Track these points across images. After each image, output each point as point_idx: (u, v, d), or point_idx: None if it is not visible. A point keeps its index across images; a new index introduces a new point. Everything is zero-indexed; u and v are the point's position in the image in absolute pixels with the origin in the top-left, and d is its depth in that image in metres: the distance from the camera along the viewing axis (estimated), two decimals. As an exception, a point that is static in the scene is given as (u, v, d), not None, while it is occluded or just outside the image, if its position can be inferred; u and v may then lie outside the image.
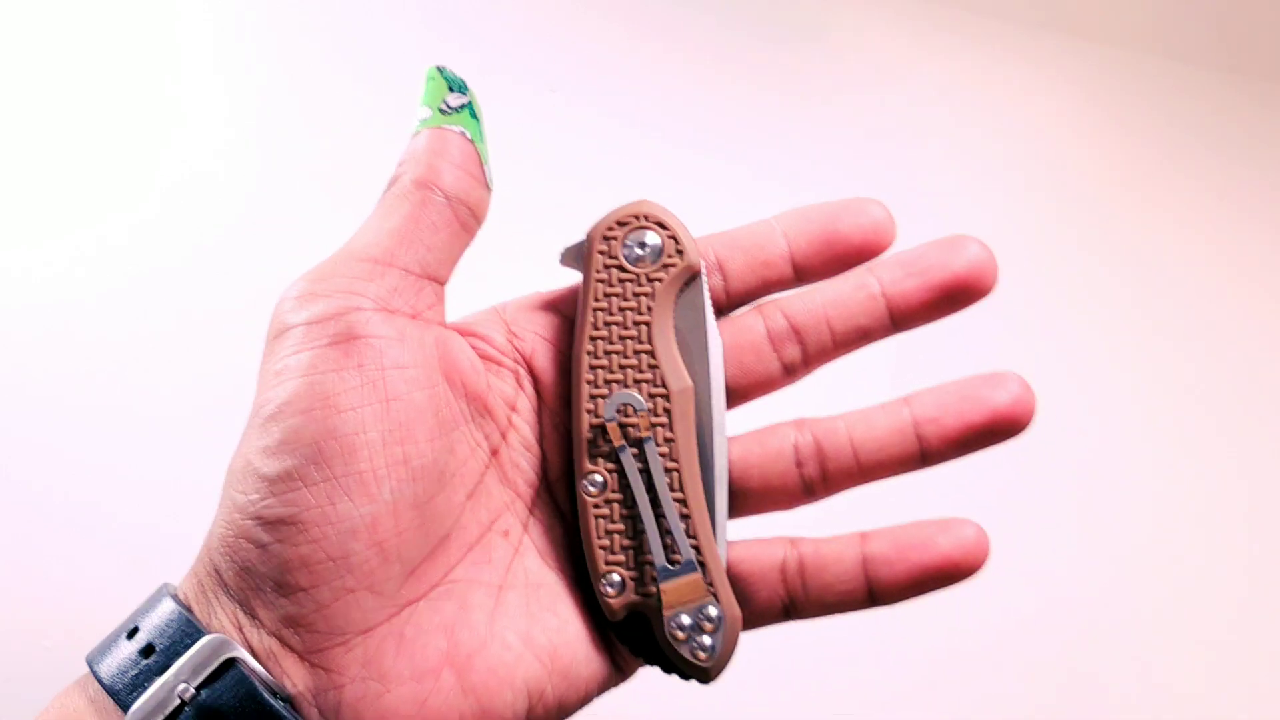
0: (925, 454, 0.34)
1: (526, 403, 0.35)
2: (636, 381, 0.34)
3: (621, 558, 0.34)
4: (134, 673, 0.29)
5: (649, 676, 0.35)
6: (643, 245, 0.35)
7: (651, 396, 0.34)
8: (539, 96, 1.03)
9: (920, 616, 0.88)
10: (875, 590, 0.34)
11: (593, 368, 0.35)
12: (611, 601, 0.34)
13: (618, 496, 0.34)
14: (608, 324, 0.35)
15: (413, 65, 0.51)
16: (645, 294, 0.35)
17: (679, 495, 0.34)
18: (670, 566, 0.33)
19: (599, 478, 0.34)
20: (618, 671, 0.35)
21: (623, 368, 0.35)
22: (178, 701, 0.29)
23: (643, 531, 0.34)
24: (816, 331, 0.35)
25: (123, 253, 0.86)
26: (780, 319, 0.36)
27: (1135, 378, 1.07)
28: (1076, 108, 1.24)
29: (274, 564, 0.29)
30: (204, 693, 0.29)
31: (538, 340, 0.36)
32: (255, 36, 0.98)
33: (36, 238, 0.85)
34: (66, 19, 0.92)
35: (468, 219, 0.34)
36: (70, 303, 0.83)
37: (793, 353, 0.36)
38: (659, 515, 0.34)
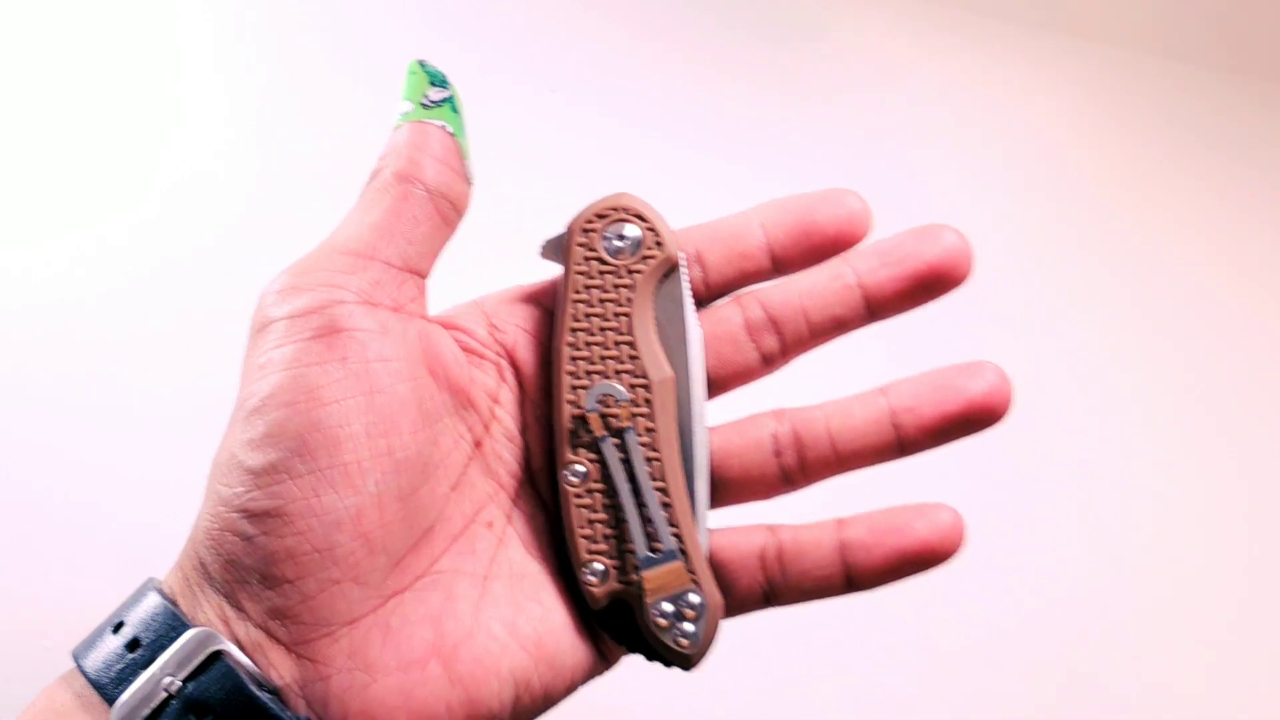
0: (902, 443, 0.35)
1: (509, 395, 0.36)
2: (617, 372, 0.35)
3: (603, 547, 0.34)
4: (120, 667, 0.29)
5: (633, 665, 0.35)
6: (622, 237, 0.35)
7: (632, 387, 0.34)
8: (539, 96, 1.04)
9: (920, 616, 0.88)
10: (853, 576, 0.34)
11: (574, 359, 0.35)
12: (594, 590, 0.34)
13: (599, 486, 0.34)
14: (588, 315, 0.35)
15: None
16: (625, 286, 0.35)
17: (660, 484, 0.34)
18: (652, 555, 0.34)
19: (581, 468, 0.34)
20: (602, 660, 0.35)
21: (604, 359, 0.35)
22: (164, 695, 0.29)
23: (624, 520, 0.34)
24: (793, 322, 0.35)
25: (123, 253, 0.86)
26: (758, 310, 0.36)
27: (1135, 377, 1.07)
28: (1076, 108, 1.24)
29: (259, 556, 0.29)
30: (190, 686, 0.29)
31: (519, 333, 0.36)
32: (255, 36, 0.98)
33: (36, 238, 0.85)
34: (66, 19, 0.93)
35: (449, 213, 0.34)
36: (70, 303, 0.84)
37: (770, 343, 0.36)
38: (640, 504, 0.34)
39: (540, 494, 0.36)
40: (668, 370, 0.35)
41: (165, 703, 0.29)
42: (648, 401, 0.34)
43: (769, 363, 0.36)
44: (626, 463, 0.34)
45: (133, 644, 0.30)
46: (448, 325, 0.35)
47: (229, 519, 0.30)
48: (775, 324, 0.36)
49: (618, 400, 0.34)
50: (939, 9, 1.24)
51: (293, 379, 0.30)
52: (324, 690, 0.30)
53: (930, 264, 0.35)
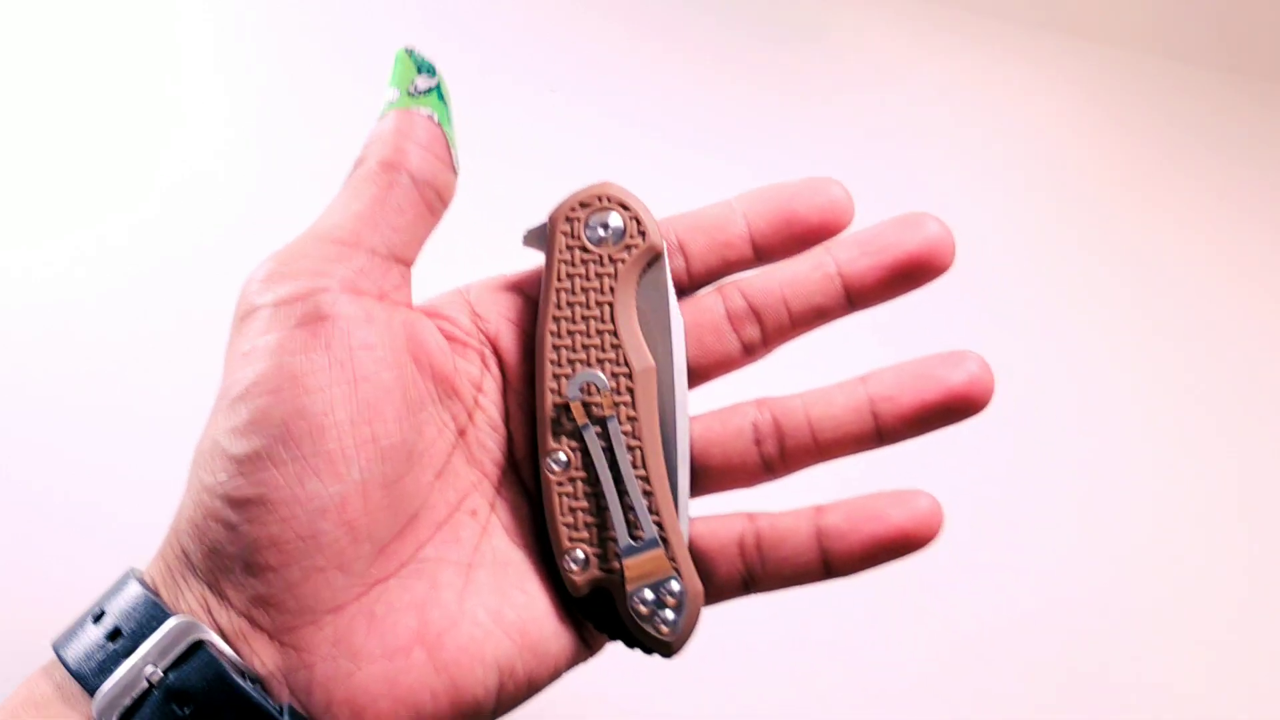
0: (881, 432, 0.35)
1: (492, 383, 0.36)
2: (600, 361, 0.35)
3: (585, 534, 0.34)
4: (101, 657, 0.29)
5: (615, 652, 0.36)
6: (605, 226, 0.35)
7: (614, 375, 0.35)
8: (539, 96, 1.04)
9: (918, 614, 0.88)
10: (830, 562, 0.34)
11: (556, 347, 0.35)
12: (575, 578, 0.34)
13: (581, 474, 0.34)
14: (570, 304, 0.35)
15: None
16: (608, 274, 0.35)
17: (642, 473, 0.34)
18: (633, 542, 0.34)
19: (563, 456, 0.35)
20: (585, 647, 0.35)
21: (586, 347, 0.35)
22: (145, 684, 0.29)
23: (606, 508, 0.34)
24: (774, 311, 0.36)
25: (123, 253, 0.86)
26: (739, 299, 0.36)
27: (1136, 377, 1.06)
28: (1076, 108, 1.23)
29: (243, 544, 0.29)
30: (172, 675, 0.29)
31: (502, 321, 0.36)
32: (255, 36, 0.98)
33: (36, 238, 0.85)
34: (66, 19, 0.93)
35: (434, 201, 0.34)
36: (70, 303, 0.84)
37: (752, 333, 0.36)
38: (622, 492, 0.34)
39: (524, 482, 0.36)
40: (650, 359, 0.35)
41: (147, 692, 0.29)
42: (630, 390, 0.34)
43: (750, 352, 0.36)
44: (608, 451, 0.34)
45: (114, 634, 0.30)
46: (432, 314, 0.35)
47: (212, 506, 0.30)
48: (756, 313, 0.36)
49: (600, 389, 0.34)
50: (939, 9, 1.24)
51: (277, 366, 0.30)
52: (307, 678, 0.30)
53: (911, 253, 0.35)
